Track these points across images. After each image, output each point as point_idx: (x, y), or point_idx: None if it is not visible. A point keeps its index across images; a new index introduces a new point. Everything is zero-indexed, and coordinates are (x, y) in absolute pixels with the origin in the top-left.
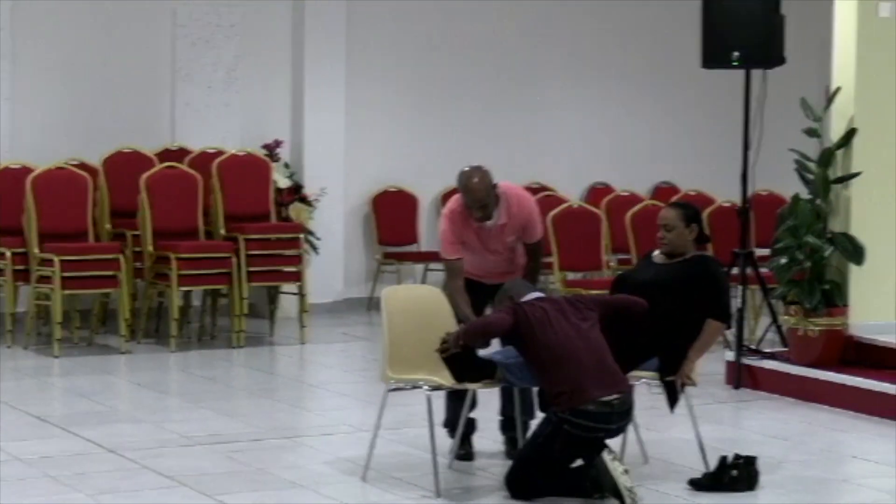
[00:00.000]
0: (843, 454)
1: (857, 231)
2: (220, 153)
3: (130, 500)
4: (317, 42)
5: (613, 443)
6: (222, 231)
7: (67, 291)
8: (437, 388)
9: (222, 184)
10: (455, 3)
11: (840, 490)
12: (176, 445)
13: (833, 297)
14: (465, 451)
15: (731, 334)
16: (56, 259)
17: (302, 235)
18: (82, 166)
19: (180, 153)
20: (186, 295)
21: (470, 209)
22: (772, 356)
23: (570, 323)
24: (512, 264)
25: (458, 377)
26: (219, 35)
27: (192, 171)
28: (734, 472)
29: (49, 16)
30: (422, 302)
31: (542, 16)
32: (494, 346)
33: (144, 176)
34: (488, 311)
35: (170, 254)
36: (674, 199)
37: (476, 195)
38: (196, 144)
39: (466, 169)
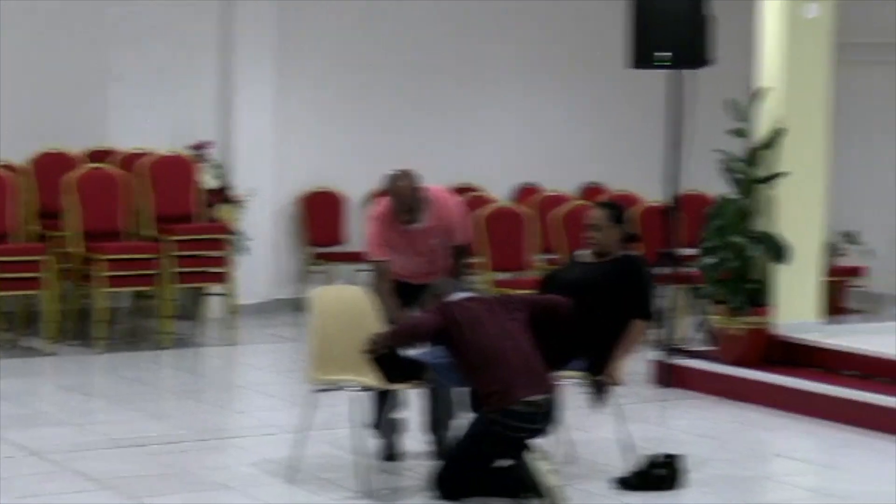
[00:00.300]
0: (767, 452)
1: (783, 231)
2: (147, 154)
3: (55, 502)
4: (246, 43)
5: (540, 442)
6: (150, 232)
7: None
8: (363, 388)
9: (150, 185)
10: (385, 3)
11: (764, 488)
12: (102, 448)
13: (758, 297)
14: (392, 452)
15: (657, 333)
16: None
17: (230, 236)
18: (9, 167)
19: (109, 154)
20: (113, 296)
21: (397, 212)
22: (698, 355)
23: (498, 323)
24: (437, 265)
25: (386, 378)
26: (149, 35)
27: (119, 172)
28: (661, 471)
29: None
30: (350, 302)
31: (471, 17)
32: (423, 347)
33: (70, 176)
34: (416, 311)
35: (96, 255)
36: (601, 198)
37: (403, 199)
38: (126, 145)
39: (394, 172)
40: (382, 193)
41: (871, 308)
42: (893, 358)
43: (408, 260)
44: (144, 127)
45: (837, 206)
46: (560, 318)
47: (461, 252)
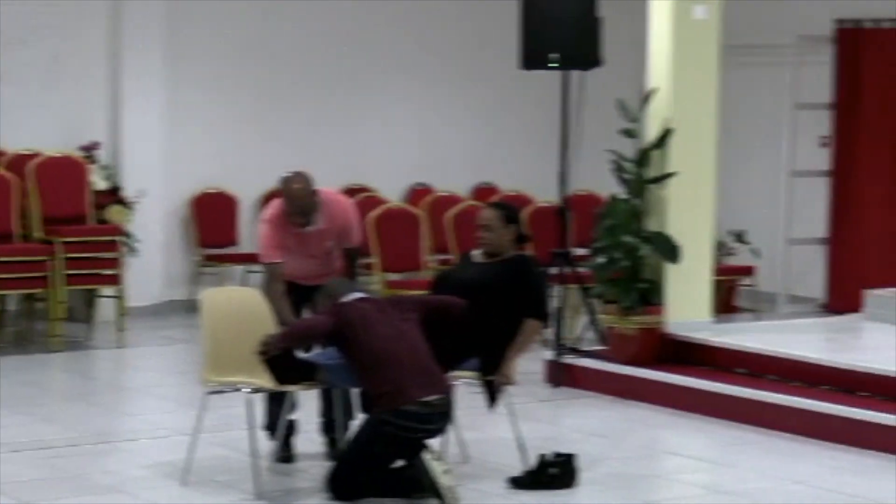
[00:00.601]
0: (659, 450)
1: (673, 230)
2: (36, 155)
3: None
4: (135, 42)
5: (434, 443)
6: (39, 234)
7: None
8: (257, 390)
9: (38, 186)
10: (275, 3)
11: (656, 485)
12: None
13: (650, 296)
14: (285, 454)
15: (549, 333)
16: None
17: (120, 238)
18: None
19: None
20: (2, 299)
21: (291, 215)
22: (590, 355)
23: (391, 324)
24: (330, 267)
25: (279, 379)
26: (35, 35)
27: (6, 173)
28: (553, 470)
29: None
30: (242, 304)
31: (362, 17)
32: (317, 348)
33: None
34: (307, 312)
35: None
36: (493, 199)
37: (298, 202)
38: (12, 146)
39: (288, 175)
40: (275, 195)
41: (760, 307)
42: (782, 356)
43: (301, 262)
44: (32, 127)
45: (726, 206)
46: (453, 319)
47: (354, 254)
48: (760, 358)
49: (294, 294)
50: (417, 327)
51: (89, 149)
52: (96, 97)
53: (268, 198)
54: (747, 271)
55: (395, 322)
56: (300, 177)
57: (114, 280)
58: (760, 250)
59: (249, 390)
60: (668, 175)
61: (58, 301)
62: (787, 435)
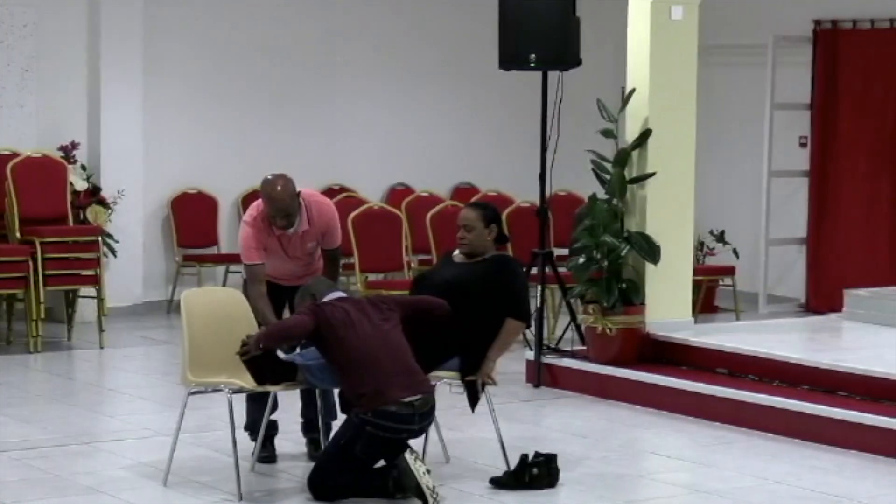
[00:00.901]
0: (641, 450)
1: (653, 230)
2: (14, 155)
3: None
4: (113, 42)
5: (415, 443)
6: (18, 234)
7: None
8: (238, 390)
9: (17, 186)
10: (254, 2)
11: (637, 485)
12: None
13: (630, 296)
14: (267, 454)
15: (530, 333)
16: None
17: (100, 238)
18: None
19: None
20: None
21: (273, 217)
22: (571, 355)
23: (371, 324)
24: (310, 268)
25: (259, 379)
26: (12, 35)
27: None
28: (535, 470)
29: None
30: (222, 304)
31: (342, 16)
32: (299, 348)
33: None
34: (287, 313)
35: None
36: (473, 199)
37: (279, 204)
38: None
39: (269, 177)
40: (255, 196)
41: (740, 306)
42: (762, 356)
43: (282, 263)
44: (10, 128)
45: (705, 206)
46: (434, 319)
47: (335, 255)
48: (741, 358)
49: (275, 294)
50: (398, 327)
51: (68, 149)
52: (75, 97)
53: (247, 198)
54: (727, 271)
55: (376, 322)
56: (281, 179)
57: (93, 280)
58: (740, 250)
59: (230, 391)
60: (648, 175)
61: (37, 301)
62: (768, 434)
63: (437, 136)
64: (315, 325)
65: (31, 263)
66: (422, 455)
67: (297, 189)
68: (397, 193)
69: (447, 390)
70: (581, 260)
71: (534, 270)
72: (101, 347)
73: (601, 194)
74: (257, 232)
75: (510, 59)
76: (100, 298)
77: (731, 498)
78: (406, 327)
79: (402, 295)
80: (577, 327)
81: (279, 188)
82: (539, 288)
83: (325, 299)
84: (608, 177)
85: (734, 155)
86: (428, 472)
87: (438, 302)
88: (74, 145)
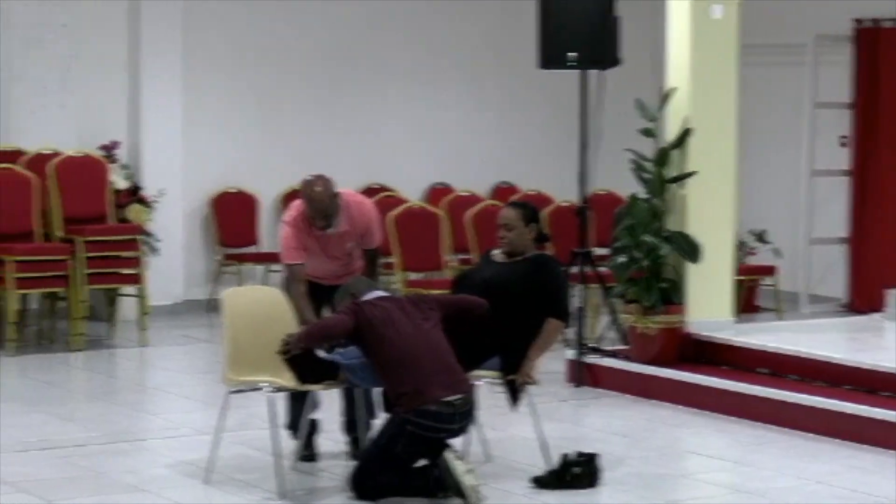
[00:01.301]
0: (681, 450)
1: (694, 230)
2: (56, 154)
3: None
4: (153, 40)
5: (456, 442)
6: (60, 233)
7: None
8: (279, 389)
9: (59, 185)
10: (293, 4)
11: (679, 485)
12: (13, 451)
13: (670, 295)
14: (308, 453)
15: (571, 333)
16: None
17: (141, 237)
18: None
19: (15, 154)
20: (24, 298)
21: (313, 218)
22: (612, 354)
23: (412, 322)
24: (350, 267)
25: (300, 378)
26: (51, 34)
27: (27, 173)
28: (576, 470)
29: None
30: (262, 303)
31: (384, 14)
32: (342, 347)
33: None
34: (327, 312)
35: (5, 257)
36: (513, 198)
37: (319, 205)
38: (31, 146)
39: (309, 178)
40: (296, 195)
41: (782, 306)
42: (804, 355)
43: (322, 263)
44: (51, 127)
45: (746, 206)
46: (474, 317)
47: (375, 255)
48: (782, 358)
49: (315, 294)
50: (439, 326)
51: (109, 148)
52: (115, 96)
53: (288, 197)
54: (768, 271)
55: (416, 321)
56: (321, 180)
57: (135, 279)
58: (781, 250)
59: (271, 389)
60: (688, 174)
61: (79, 300)
62: (809, 435)
63: (477, 135)
64: (355, 324)
65: (72, 262)
66: (463, 454)
67: (337, 189)
68: (437, 192)
69: (488, 389)
70: (621, 259)
71: (574, 270)
72: (143, 346)
73: (641, 193)
74: (297, 232)
75: (550, 58)
76: (141, 297)
77: (772, 498)
78: (446, 326)
79: (441, 294)
80: (618, 327)
81: (318, 189)
82: (579, 287)
83: (365, 298)
84: (648, 176)
85: (775, 154)
86: (469, 471)
87: (478, 301)
88: (115, 144)
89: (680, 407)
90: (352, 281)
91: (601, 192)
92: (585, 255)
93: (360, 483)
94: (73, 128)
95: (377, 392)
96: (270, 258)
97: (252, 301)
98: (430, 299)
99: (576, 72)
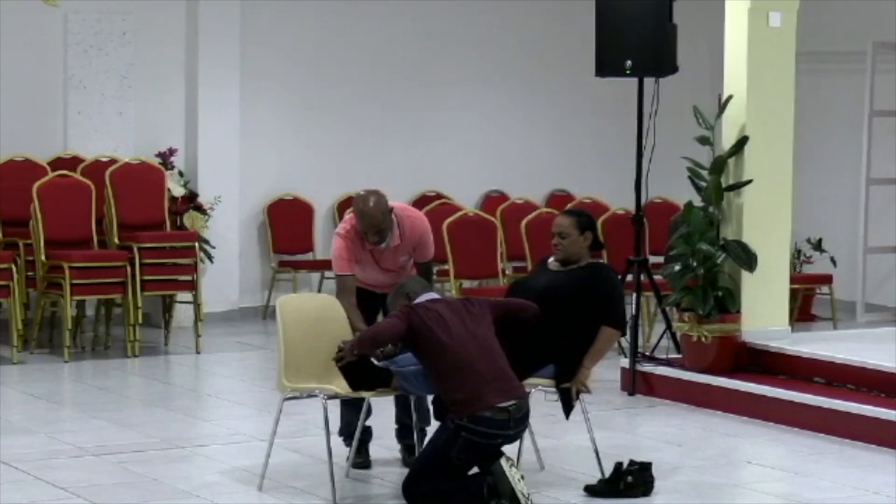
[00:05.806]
0: (736, 459)
1: (749, 238)
2: (113, 161)
3: None
4: (210, 49)
5: (509, 449)
6: (116, 240)
7: None
8: (332, 396)
9: (116, 192)
10: (352, 7)
11: (733, 495)
12: (69, 457)
13: (726, 304)
14: (361, 460)
15: (625, 341)
16: None
17: (196, 244)
18: None
19: (73, 161)
20: (80, 304)
21: (365, 233)
22: (666, 363)
23: (465, 326)
24: (402, 278)
25: (354, 385)
26: (111, 43)
27: (85, 180)
28: (630, 479)
29: None
30: (317, 310)
31: (440, 22)
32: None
33: (36, 184)
34: (381, 317)
35: (63, 263)
36: (568, 206)
37: (371, 220)
38: (89, 153)
39: (362, 193)
40: (350, 203)
41: (838, 315)
42: (860, 365)
43: (375, 274)
44: (109, 134)
45: (803, 214)
46: (524, 320)
47: (428, 267)
48: (838, 367)
49: (369, 301)
50: (491, 330)
51: (166, 156)
52: (172, 104)
53: (343, 205)
54: (825, 280)
55: (470, 325)
56: (374, 195)
57: (190, 286)
58: (838, 259)
59: (325, 396)
60: (745, 182)
61: (135, 306)
62: (865, 445)
63: (532, 142)
64: (407, 328)
65: (129, 269)
66: (516, 461)
67: (390, 204)
68: (492, 200)
69: (542, 397)
70: (677, 267)
71: (629, 278)
72: (198, 352)
73: (697, 202)
74: (350, 244)
75: (606, 66)
76: (196, 304)
77: None
78: (499, 331)
79: (495, 298)
80: (673, 335)
81: (371, 205)
82: (634, 295)
83: (419, 300)
84: (704, 184)
85: (832, 162)
86: (522, 478)
87: (528, 304)
88: (172, 152)
89: (734, 416)
90: (406, 280)
91: (657, 200)
92: (640, 264)
93: (412, 490)
94: (130, 135)
95: (430, 398)
96: (325, 265)
97: (307, 308)
98: (480, 301)
99: (632, 79)
